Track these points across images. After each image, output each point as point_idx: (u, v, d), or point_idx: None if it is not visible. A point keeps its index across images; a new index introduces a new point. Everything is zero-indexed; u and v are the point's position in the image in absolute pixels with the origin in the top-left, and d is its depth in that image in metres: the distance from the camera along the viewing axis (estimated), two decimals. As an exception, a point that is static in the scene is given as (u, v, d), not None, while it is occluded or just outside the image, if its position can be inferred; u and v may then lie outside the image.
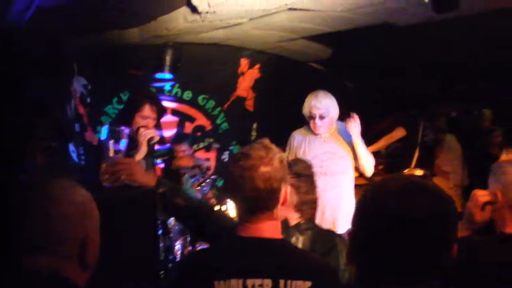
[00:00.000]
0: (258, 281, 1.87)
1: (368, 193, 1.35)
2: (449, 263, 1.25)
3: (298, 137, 4.64)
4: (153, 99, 4.08)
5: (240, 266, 1.91)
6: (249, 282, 1.87)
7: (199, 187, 5.13)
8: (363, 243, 1.29)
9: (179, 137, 5.85)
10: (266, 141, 2.03)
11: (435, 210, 1.24)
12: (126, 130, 3.22)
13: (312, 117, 4.42)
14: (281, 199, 1.99)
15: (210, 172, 5.62)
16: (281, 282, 1.87)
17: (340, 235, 3.10)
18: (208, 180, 5.21)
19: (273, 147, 2.00)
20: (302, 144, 4.58)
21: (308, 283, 1.87)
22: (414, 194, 1.26)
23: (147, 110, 3.97)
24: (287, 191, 2.01)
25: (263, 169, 1.91)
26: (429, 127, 6.58)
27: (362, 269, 1.31)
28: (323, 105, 4.39)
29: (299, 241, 2.75)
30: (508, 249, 2.10)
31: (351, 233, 1.35)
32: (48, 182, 1.52)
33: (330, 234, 2.96)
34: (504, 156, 5.91)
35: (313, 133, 4.52)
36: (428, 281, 1.23)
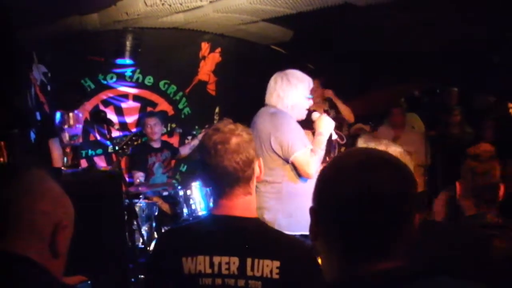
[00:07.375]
0: (225, 259, 1.89)
1: (326, 172, 1.29)
2: (412, 236, 1.22)
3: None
4: None
5: (208, 243, 1.93)
6: (216, 259, 1.89)
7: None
8: (327, 225, 1.24)
9: (150, 113, 6.18)
10: (230, 119, 2.08)
11: (396, 183, 1.19)
12: (79, 114, 3.15)
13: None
14: (256, 171, 2.03)
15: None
16: (249, 260, 1.88)
17: None
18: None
19: (238, 123, 2.05)
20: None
21: (277, 263, 1.87)
22: (373, 169, 1.21)
23: None
24: (260, 163, 2.06)
25: (236, 140, 1.95)
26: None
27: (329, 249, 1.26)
28: None
29: None
30: None
31: (313, 213, 1.27)
32: (16, 172, 1.51)
33: None
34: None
35: None
36: (394, 256, 1.18)
